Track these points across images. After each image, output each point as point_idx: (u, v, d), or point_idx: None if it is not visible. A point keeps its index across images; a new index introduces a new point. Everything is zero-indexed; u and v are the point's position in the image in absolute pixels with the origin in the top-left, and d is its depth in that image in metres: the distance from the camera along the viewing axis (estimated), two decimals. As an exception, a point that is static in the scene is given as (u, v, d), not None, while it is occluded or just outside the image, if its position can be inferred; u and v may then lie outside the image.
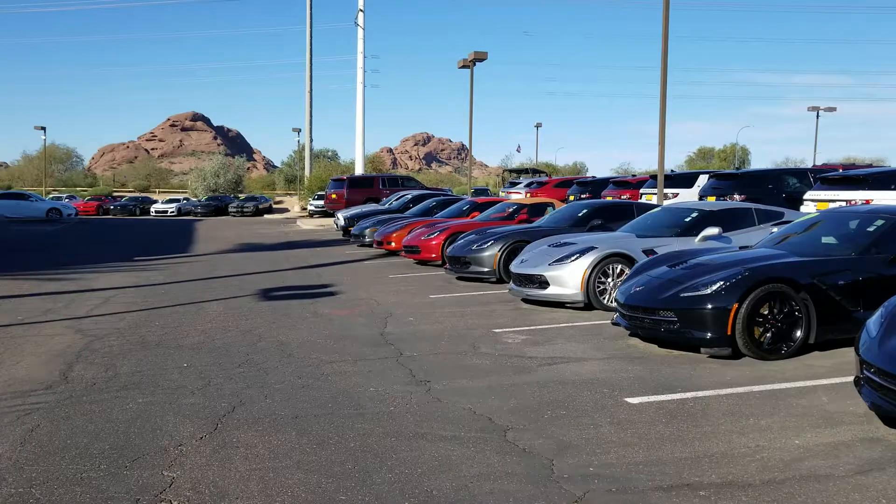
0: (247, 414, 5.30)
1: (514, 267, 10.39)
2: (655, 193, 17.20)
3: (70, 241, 25.35)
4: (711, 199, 16.68)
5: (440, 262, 14.63)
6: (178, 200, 56.93)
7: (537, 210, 15.78)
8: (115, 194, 68.97)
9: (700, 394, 5.68)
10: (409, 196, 25.39)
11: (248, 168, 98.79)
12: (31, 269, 15.57)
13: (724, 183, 17.54)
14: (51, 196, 56.98)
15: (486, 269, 12.33)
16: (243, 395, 5.80)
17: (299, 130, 59.42)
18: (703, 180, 19.12)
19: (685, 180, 20.19)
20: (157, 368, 6.72)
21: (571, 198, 23.45)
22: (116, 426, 5.04)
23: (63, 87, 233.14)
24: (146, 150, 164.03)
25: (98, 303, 10.76)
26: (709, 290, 6.70)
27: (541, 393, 5.76)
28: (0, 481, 4.10)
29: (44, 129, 61.51)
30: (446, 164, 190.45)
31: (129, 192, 76.35)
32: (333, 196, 34.03)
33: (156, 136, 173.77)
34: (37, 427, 5.03)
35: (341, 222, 24.88)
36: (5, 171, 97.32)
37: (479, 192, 42.16)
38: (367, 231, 19.87)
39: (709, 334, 6.63)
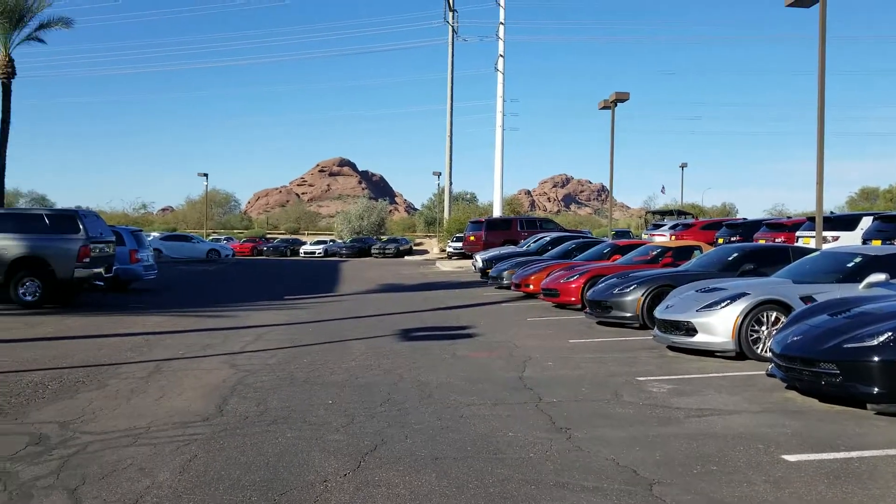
0: (388, 453, 5.38)
1: (659, 312, 10.04)
2: (813, 236, 16.23)
3: (227, 280, 27.00)
4: (877, 242, 15.60)
5: (580, 306, 14.38)
6: (324, 242, 59.44)
7: (683, 253, 15.25)
8: (268, 236, 72.85)
9: (867, 453, 5.23)
10: (548, 238, 25.30)
11: (390, 211, 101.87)
12: (192, 307, 16.68)
13: (890, 225, 16.44)
14: (211, 238, 61.00)
15: (628, 314, 12.00)
16: (385, 433, 5.89)
17: (439, 174, 60.71)
18: (866, 222, 18.01)
19: (846, 223, 19.06)
20: (305, 404, 6.96)
21: (720, 240, 22.60)
22: (266, 459, 5.25)
23: (224, 136, 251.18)
24: (297, 194, 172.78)
25: (251, 339, 11.34)
26: (875, 342, 6.20)
27: (689, 446, 5.50)
28: (161, 507, 4.35)
29: (206, 175, 65.97)
30: (585, 206, 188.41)
31: (281, 234, 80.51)
32: (472, 238, 34.53)
33: (306, 181, 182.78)
34: (194, 457, 5.32)
35: (479, 264, 25.06)
36: (171, 214, 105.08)
37: (620, 234, 41.41)
38: (505, 273, 19.91)
39: (875, 389, 6.12)
